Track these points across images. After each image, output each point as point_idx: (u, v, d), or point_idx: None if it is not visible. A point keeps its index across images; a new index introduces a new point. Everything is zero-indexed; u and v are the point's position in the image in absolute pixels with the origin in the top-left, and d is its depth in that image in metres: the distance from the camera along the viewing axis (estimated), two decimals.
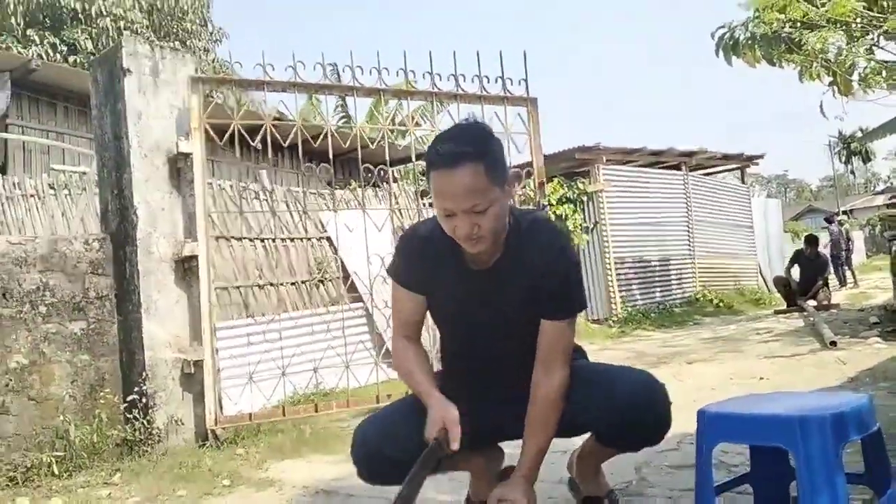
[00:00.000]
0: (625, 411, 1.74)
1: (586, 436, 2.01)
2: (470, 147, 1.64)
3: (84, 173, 6.73)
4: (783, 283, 10.35)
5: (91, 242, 3.68)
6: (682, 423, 3.15)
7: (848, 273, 15.66)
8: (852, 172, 52.32)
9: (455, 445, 1.68)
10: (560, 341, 1.81)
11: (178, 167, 3.74)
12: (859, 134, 32.81)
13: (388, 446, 1.78)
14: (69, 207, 6.53)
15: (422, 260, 1.86)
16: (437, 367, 2.09)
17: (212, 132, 3.73)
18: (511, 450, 2.15)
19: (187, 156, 3.69)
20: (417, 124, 10.52)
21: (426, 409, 1.80)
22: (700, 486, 1.73)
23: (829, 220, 17.62)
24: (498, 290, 1.82)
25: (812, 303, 9.55)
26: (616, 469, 2.42)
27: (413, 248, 1.88)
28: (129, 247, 3.64)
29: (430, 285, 1.87)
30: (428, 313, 1.96)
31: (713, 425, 1.72)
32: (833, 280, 12.49)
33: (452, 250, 1.79)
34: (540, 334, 1.81)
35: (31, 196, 6.48)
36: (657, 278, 10.97)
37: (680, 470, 2.52)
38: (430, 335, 3.48)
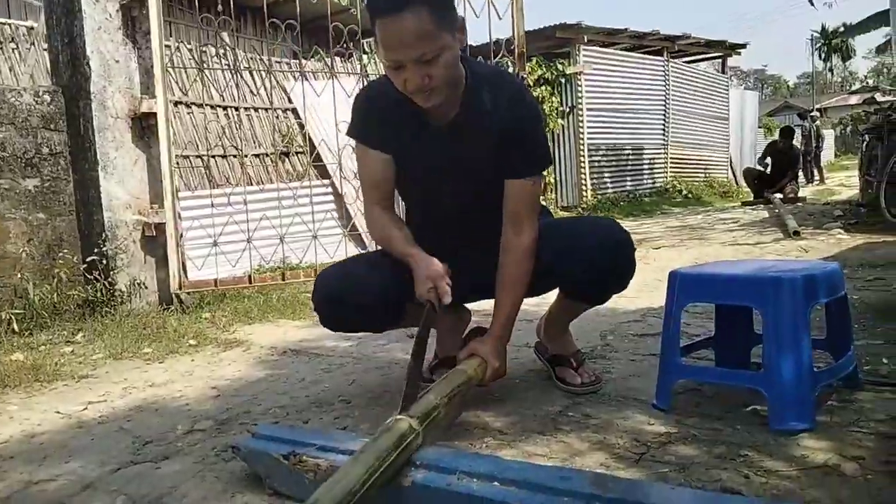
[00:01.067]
0: (592, 256, 1.71)
1: (553, 300, 2.02)
2: None
3: (32, 28, 6.27)
4: (753, 176, 10.43)
5: (42, 95, 3.46)
6: (646, 300, 3.21)
7: (815, 170, 15.83)
8: (830, 70, 51.94)
9: (447, 299, 1.64)
10: (527, 199, 1.77)
11: (133, 16, 3.48)
12: (842, 29, 32.27)
13: (350, 290, 1.74)
14: (17, 63, 6.12)
15: (380, 117, 1.76)
16: None
17: None
18: (478, 316, 2.16)
19: (143, 3, 3.43)
20: None
21: (391, 259, 1.77)
22: (667, 344, 1.74)
23: (801, 117, 17.61)
24: (459, 146, 1.74)
25: (779, 195, 9.67)
26: (581, 336, 2.45)
27: (370, 105, 1.79)
28: (82, 101, 3.43)
29: (393, 142, 1.78)
30: None
31: (685, 285, 1.71)
32: (801, 176, 12.61)
33: (410, 107, 1.69)
34: (506, 193, 1.76)
35: None
36: (629, 167, 10.95)
37: (643, 338, 2.56)
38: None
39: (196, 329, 3.13)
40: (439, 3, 1.56)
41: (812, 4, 9.04)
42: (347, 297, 1.74)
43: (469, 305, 2.11)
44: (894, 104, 6.76)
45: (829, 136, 22.62)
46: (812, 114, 17.90)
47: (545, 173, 1.81)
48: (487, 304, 1.88)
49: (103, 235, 3.42)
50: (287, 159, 6.14)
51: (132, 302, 3.47)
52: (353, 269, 1.83)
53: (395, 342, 2.70)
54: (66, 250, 3.45)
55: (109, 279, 3.41)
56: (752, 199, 10.28)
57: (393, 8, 1.52)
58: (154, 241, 3.54)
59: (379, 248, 1.91)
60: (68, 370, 2.59)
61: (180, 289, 3.55)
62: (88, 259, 3.43)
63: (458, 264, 1.80)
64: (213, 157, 5.54)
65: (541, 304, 2.16)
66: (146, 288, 3.53)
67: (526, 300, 1.84)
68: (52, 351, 2.87)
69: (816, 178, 15.64)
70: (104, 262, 3.42)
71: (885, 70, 39.76)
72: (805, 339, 1.57)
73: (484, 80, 1.74)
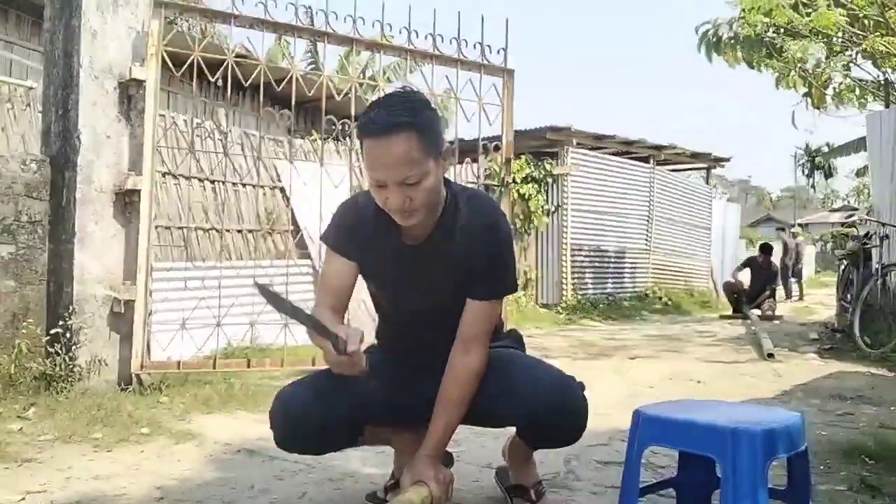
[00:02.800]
0: (538, 409, 1.70)
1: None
2: (404, 116, 1.57)
3: (31, 88, 6.36)
4: (732, 290, 10.55)
5: (29, 163, 3.47)
6: (616, 419, 3.15)
7: (795, 286, 16.03)
8: (813, 187, 53.56)
9: (352, 348, 1.55)
10: (482, 321, 1.77)
11: (130, 94, 3.53)
12: (825, 149, 33.53)
13: (309, 414, 1.71)
14: (11, 123, 6.18)
15: (357, 229, 1.79)
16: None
17: (169, 61, 3.53)
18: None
19: (140, 83, 3.49)
20: (389, 80, 10.30)
21: (352, 381, 1.71)
22: (626, 486, 1.70)
23: (780, 230, 18.00)
24: (429, 266, 1.77)
25: (757, 312, 9.75)
26: (545, 459, 2.39)
27: (348, 216, 1.82)
28: (68, 172, 3.44)
29: (364, 256, 1.80)
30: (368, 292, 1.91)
31: (647, 427, 1.68)
32: (780, 291, 12.78)
33: (387, 223, 1.72)
34: (464, 312, 1.77)
35: None
36: (611, 269, 11.06)
37: (608, 466, 2.50)
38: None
39: (151, 415, 3.03)
40: (428, 129, 1.60)
41: (794, 125, 9.44)
42: (306, 422, 1.71)
43: None
44: (869, 233, 6.93)
45: (809, 252, 23.07)
46: (794, 229, 18.31)
47: (521, 281, 1.85)
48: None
49: (70, 308, 3.36)
50: (270, 237, 6.15)
51: (90, 379, 3.37)
52: (314, 390, 1.78)
53: (352, 450, 2.62)
54: (30, 320, 3.37)
55: (70, 354, 3.33)
56: (730, 312, 10.37)
57: (382, 131, 1.56)
58: (121, 317, 3.48)
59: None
60: (12, 451, 2.49)
61: (141, 369, 3.46)
62: (52, 331, 3.35)
63: (421, 379, 1.79)
64: (195, 229, 5.53)
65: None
66: (106, 365, 3.44)
67: None
68: (0, 427, 2.76)
69: (796, 293, 15.82)
70: (67, 335, 3.34)
71: (865, 191, 41.09)
72: (762, 493, 1.54)
73: (462, 205, 1.77)
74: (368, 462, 2.40)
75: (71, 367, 3.31)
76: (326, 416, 1.70)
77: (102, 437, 2.72)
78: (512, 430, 2.03)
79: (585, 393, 1.81)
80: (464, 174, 5.75)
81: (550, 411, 1.71)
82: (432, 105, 1.70)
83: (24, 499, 2.05)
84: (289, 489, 2.17)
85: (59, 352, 3.30)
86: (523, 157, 9.59)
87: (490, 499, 2.10)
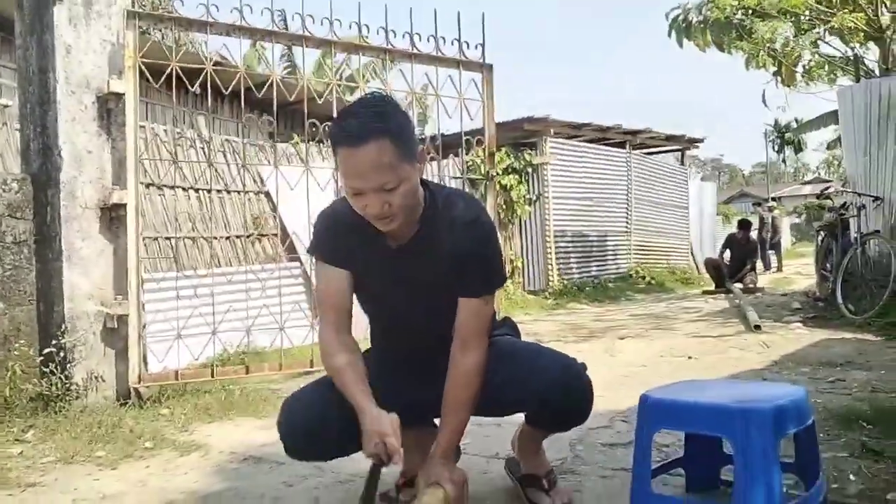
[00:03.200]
0: (547, 394, 1.75)
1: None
2: (376, 122, 1.56)
3: (6, 106, 6.25)
4: (714, 266, 10.68)
5: (9, 183, 3.42)
6: (613, 400, 3.20)
7: (774, 258, 16.28)
8: (784, 161, 54.34)
9: (396, 459, 1.63)
10: (477, 319, 1.78)
11: (109, 108, 3.49)
12: (794, 125, 34.00)
13: (317, 424, 1.74)
14: None
15: (341, 236, 1.79)
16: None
17: (147, 72, 3.49)
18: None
19: (119, 96, 3.45)
20: (367, 81, 10.25)
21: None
22: (637, 472, 1.73)
23: (757, 205, 18.23)
24: (416, 267, 1.77)
25: (739, 285, 9.89)
26: (551, 445, 2.42)
27: (331, 224, 1.82)
28: (51, 190, 3.40)
29: (352, 262, 1.81)
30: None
31: (655, 412, 1.71)
32: (759, 264, 12.97)
33: (369, 229, 1.72)
34: (458, 311, 1.77)
35: None
36: (594, 253, 11.15)
37: (613, 448, 2.54)
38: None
39: (153, 428, 3.02)
40: (400, 135, 1.60)
41: (765, 104, 9.57)
42: (316, 431, 1.73)
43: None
44: (846, 203, 7.06)
45: (784, 224, 23.40)
46: (769, 204, 18.56)
47: (508, 269, 1.89)
48: None
49: (63, 327, 3.33)
50: (258, 241, 6.12)
51: (88, 397, 3.34)
52: (322, 397, 1.80)
53: (360, 457, 2.63)
54: (22, 341, 3.33)
55: (66, 372, 3.29)
56: (713, 288, 10.50)
57: (355, 140, 1.55)
58: (115, 332, 3.45)
59: None
60: (14, 476, 2.46)
61: (139, 382, 3.44)
62: (45, 351, 3.31)
63: (419, 381, 1.81)
64: (182, 238, 5.49)
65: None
66: (104, 381, 3.41)
67: None
68: (0, 452, 2.73)
69: (774, 265, 16.07)
70: (62, 354, 3.31)
71: (835, 163, 41.72)
72: (775, 469, 1.58)
73: (441, 204, 1.77)
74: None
75: (67, 385, 3.28)
76: (334, 424, 1.72)
77: (106, 454, 2.70)
78: (519, 420, 2.06)
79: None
80: (447, 169, 5.76)
81: (559, 393, 1.75)
82: (402, 108, 1.70)
83: None
84: (300, 495, 2.18)
85: (55, 371, 3.27)
86: (503, 148, 9.61)
87: (501, 489, 2.12)
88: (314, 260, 1.88)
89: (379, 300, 1.87)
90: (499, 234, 1.90)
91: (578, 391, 1.80)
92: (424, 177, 1.80)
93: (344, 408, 1.72)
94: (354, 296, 1.87)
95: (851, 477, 2.08)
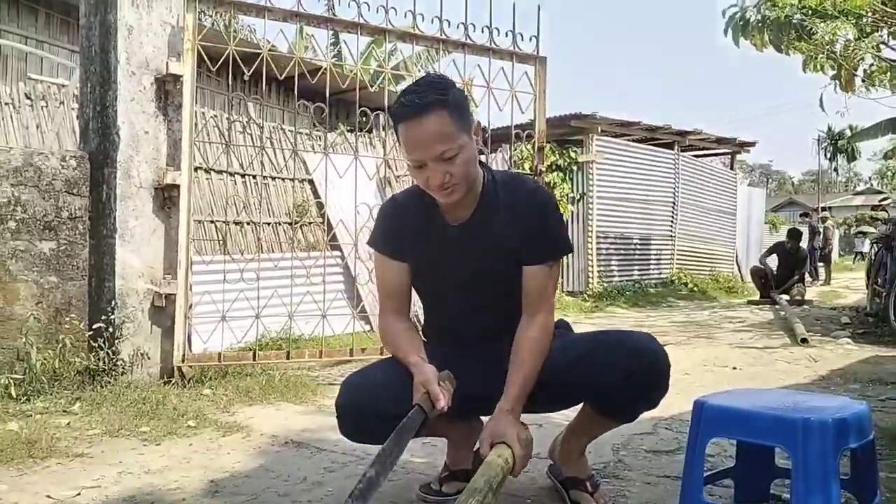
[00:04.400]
0: (637, 364, 1.69)
1: (573, 418, 1.97)
2: (433, 95, 1.63)
3: (63, 86, 6.42)
4: (760, 275, 10.42)
5: (68, 160, 3.50)
6: (657, 406, 3.14)
7: (822, 270, 15.83)
8: (835, 170, 52.84)
9: (440, 404, 1.63)
10: (543, 285, 1.79)
11: (167, 90, 3.54)
12: (848, 132, 32.98)
13: (379, 403, 1.72)
14: (45, 120, 6.23)
15: (401, 224, 1.85)
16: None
17: (204, 55, 3.54)
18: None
19: (177, 78, 3.50)
20: (419, 70, 10.26)
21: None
22: (688, 478, 1.68)
23: (805, 215, 17.74)
24: (478, 246, 1.79)
25: (785, 297, 9.63)
26: (594, 450, 2.38)
27: (391, 214, 1.90)
28: (108, 168, 3.47)
29: (411, 250, 1.85)
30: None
31: (710, 418, 1.66)
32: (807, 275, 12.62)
33: (430, 211, 1.79)
34: (523, 281, 1.79)
35: (6, 104, 6.17)
36: (636, 256, 10.98)
37: (657, 455, 2.48)
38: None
39: (196, 408, 3.06)
40: (456, 106, 1.67)
41: (822, 109, 9.27)
42: (374, 411, 1.72)
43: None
44: None
45: (833, 236, 22.75)
46: (821, 214, 18.05)
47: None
48: None
49: (113, 303, 3.40)
50: (301, 229, 6.17)
51: (133, 373, 3.40)
52: (381, 378, 1.80)
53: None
54: (73, 315, 3.41)
55: (113, 348, 3.36)
56: (757, 297, 10.26)
57: (415, 113, 1.63)
58: (162, 311, 3.51)
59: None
60: (63, 446, 2.52)
61: (183, 361, 3.49)
62: (95, 326, 3.39)
63: (471, 372, 1.78)
64: (230, 223, 5.57)
65: (547, 417, 2.10)
66: (149, 359, 3.47)
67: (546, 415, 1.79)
68: (48, 422, 2.80)
69: (822, 277, 15.63)
70: (110, 329, 3.37)
71: (889, 174, 40.43)
72: (834, 484, 1.52)
73: (500, 180, 1.83)
74: (416, 453, 2.40)
75: (114, 360, 3.35)
76: (391, 407, 1.70)
77: (150, 430, 2.75)
78: (558, 425, 2.01)
79: None
80: (494, 163, 5.72)
81: (651, 363, 1.71)
82: (457, 85, 1.75)
83: (79, 494, 2.07)
84: (342, 481, 2.18)
85: (102, 346, 3.34)
86: (548, 145, 9.52)
87: (543, 489, 2.09)
88: (372, 252, 1.93)
89: (439, 282, 1.87)
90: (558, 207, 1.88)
91: (664, 368, 1.75)
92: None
93: (403, 391, 1.71)
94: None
95: None
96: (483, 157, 1.80)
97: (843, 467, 1.80)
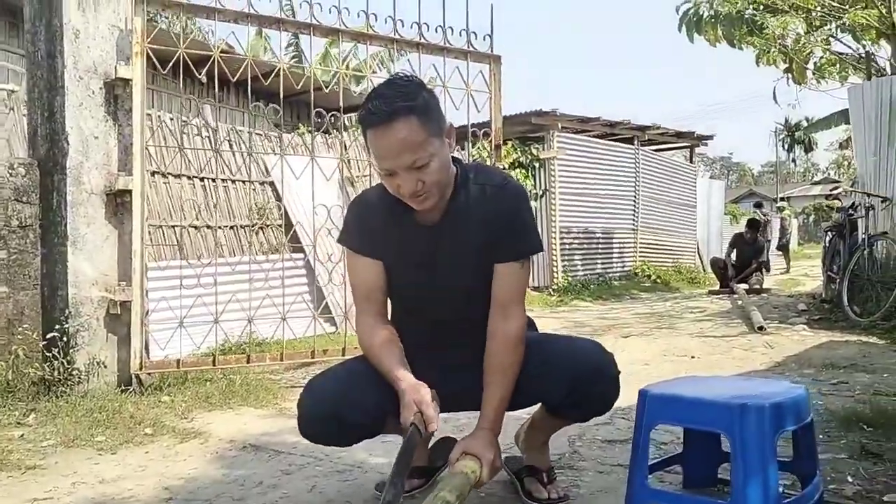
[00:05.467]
0: (577, 380, 1.73)
1: (535, 408, 2.00)
2: (401, 101, 1.58)
3: (13, 91, 6.27)
4: (720, 265, 10.62)
5: (16, 167, 3.43)
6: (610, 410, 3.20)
7: (782, 259, 16.19)
8: (793, 161, 54.04)
9: (433, 427, 1.63)
10: (515, 284, 1.77)
11: (116, 94, 3.49)
12: (805, 123, 33.77)
13: (343, 408, 1.71)
14: None
15: (371, 222, 1.79)
16: None
17: (154, 59, 3.49)
18: (444, 423, 2.13)
19: (126, 82, 3.45)
20: (374, 71, 10.24)
21: (374, 371, 1.76)
22: (635, 466, 1.72)
23: (758, 206, 18.13)
24: (450, 243, 1.76)
25: (744, 286, 9.84)
26: (551, 441, 2.41)
27: (361, 211, 1.83)
28: (57, 175, 3.41)
29: (383, 249, 1.80)
30: None
31: (654, 406, 1.70)
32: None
33: (401, 210, 1.73)
34: (494, 280, 1.76)
35: None
36: (600, 250, 11.12)
37: (612, 444, 2.54)
38: None
39: (153, 415, 3.03)
40: (426, 111, 1.61)
41: (776, 101, 9.51)
42: (339, 414, 1.71)
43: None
44: (855, 204, 7.01)
45: (793, 225, 23.28)
46: (780, 204, 18.44)
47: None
48: (458, 414, 1.85)
49: (66, 312, 3.34)
50: (262, 231, 6.13)
51: (90, 382, 3.35)
52: (346, 381, 1.78)
53: (359, 447, 2.63)
54: (26, 325, 3.35)
55: (68, 357, 3.31)
56: (717, 287, 10.46)
57: (383, 119, 1.57)
58: (118, 318, 3.46)
59: (358, 357, 1.89)
60: (16, 458, 2.47)
61: (141, 369, 3.45)
62: (49, 336, 3.32)
63: (449, 373, 1.80)
64: (187, 227, 5.50)
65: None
66: (105, 367, 3.42)
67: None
68: (1, 434, 2.75)
69: (781, 267, 15.98)
70: (65, 339, 3.32)
71: (845, 163, 41.50)
72: (772, 466, 1.57)
73: (471, 176, 1.78)
74: (374, 452, 2.41)
75: (70, 370, 3.30)
76: (356, 409, 1.71)
77: (106, 439, 2.71)
78: (523, 415, 2.05)
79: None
80: None
81: (593, 376, 1.74)
82: (427, 87, 1.71)
83: None
84: (298, 483, 2.18)
85: (57, 356, 3.28)
86: (510, 142, 9.60)
87: (498, 482, 2.11)
88: (343, 251, 1.88)
89: (410, 281, 1.83)
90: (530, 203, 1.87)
91: (610, 376, 1.79)
92: None
93: (366, 391, 1.72)
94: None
95: (849, 478, 2.07)
96: (451, 123, 1.76)
97: (787, 449, 1.86)
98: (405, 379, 1.68)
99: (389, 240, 1.79)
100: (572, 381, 1.73)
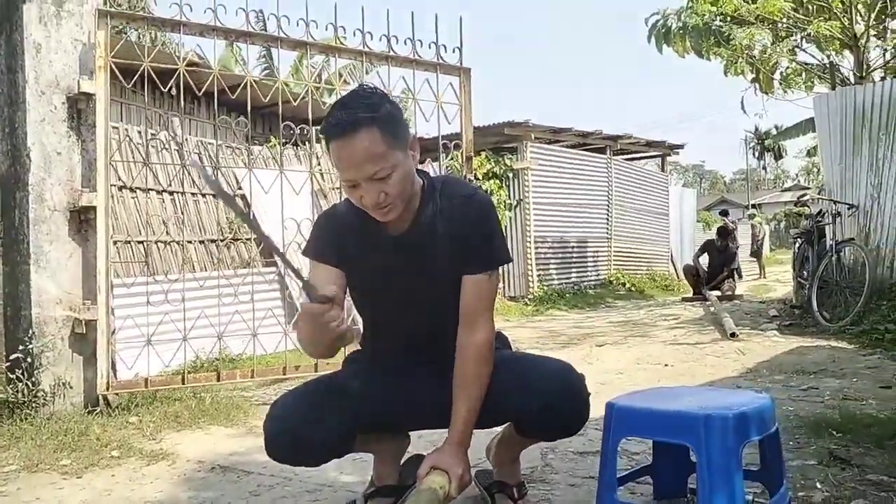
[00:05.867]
0: (545, 402, 1.71)
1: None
2: (364, 112, 1.57)
3: None
4: (692, 273, 10.75)
5: None
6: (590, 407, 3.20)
7: (755, 265, 16.39)
8: (764, 168, 55.00)
9: (328, 291, 1.53)
10: (482, 295, 1.76)
11: (79, 108, 3.44)
12: (774, 131, 34.39)
13: (307, 427, 1.69)
14: None
15: (338, 234, 1.78)
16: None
17: (118, 73, 3.45)
18: (417, 439, 2.10)
19: (90, 96, 3.40)
20: (345, 82, 10.23)
21: (346, 390, 1.77)
22: (603, 480, 1.72)
23: (724, 213, 18.33)
24: (418, 255, 1.75)
25: (716, 293, 9.96)
26: (523, 454, 2.40)
27: (328, 223, 1.83)
28: (19, 192, 3.34)
29: (349, 260, 1.78)
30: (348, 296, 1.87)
31: (620, 419, 1.71)
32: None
33: (367, 220, 1.72)
34: (462, 290, 1.75)
35: None
36: (574, 259, 11.19)
37: (584, 456, 2.53)
38: None
39: (120, 437, 2.96)
40: (389, 123, 1.61)
41: (743, 111, 9.67)
42: (303, 433, 1.69)
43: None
44: (822, 211, 7.13)
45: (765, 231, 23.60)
46: (751, 211, 18.68)
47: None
48: (431, 432, 1.83)
49: (30, 332, 3.26)
50: (233, 245, 6.06)
51: (55, 403, 3.28)
52: (310, 400, 1.76)
53: (329, 465, 2.60)
54: None
55: (33, 379, 3.23)
56: (691, 294, 10.57)
57: (345, 131, 1.57)
58: (84, 338, 3.39)
59: (326, 374, 1.88)
60: None
61: (108, 389, 3.38)
62: (12, 357, 3.24)
63: (416, 388, 1.79)
64: (155, 242, 5.43)
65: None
66: (71, 388, 3.35)
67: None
68: None
69: (751, 274, 16.16)
70: (28, 360, 3.24)
71: (814, 170, 42.32)
72: (737, 477, 1.58)
73: (438, 188, 1.78)
74: (345, 470, 2.39)
75: (34, 392, 3.22)
76: (322, 428, 1.69)
77: (71, 463, 2.65)
78: (496, 430, 2.03)
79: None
80: None
81: (561, 398, 1.72)
82: (392, 98, 1.71)
83: None
84: None
85: (21, 377, 3.21)
86: (483, 153, 9.64)
87: (470, 497, 2.10)
88: (310, 261, 1.83)
89: (378, 294, 1.82)
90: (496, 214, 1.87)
91: (579, 400, 1.77)
92: None
93: (331, 410, 1.71)
94: (348, 295, 1.85)
95: (818, 485, 2.09)
96: (415, 134, 1.76)
97: (754, 457, 1.87)
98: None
99: (357, 249, 1.77)
100: (542, 400, 1.71)
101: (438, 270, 1.76)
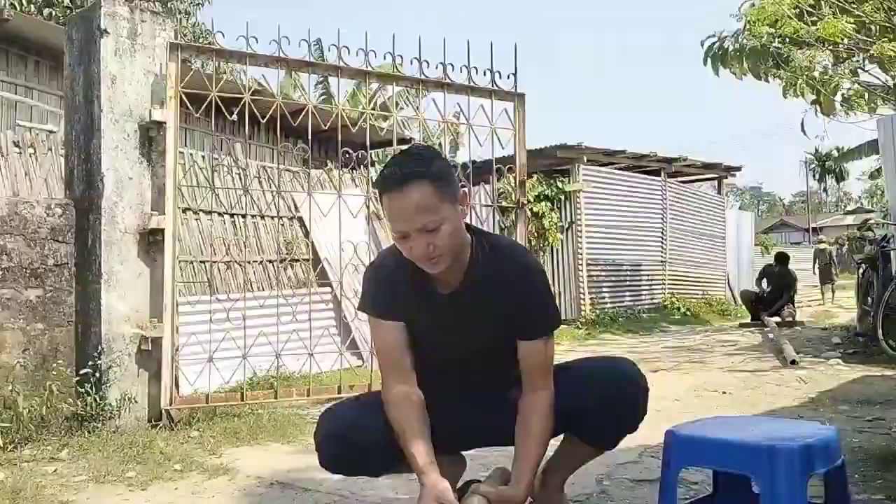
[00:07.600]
0: (609, 386, 1.78)
1: (553, 452, 1.99)
2: (416, 166, 1.66)
3: (52, 132, 6.50)
4: (750, 298, 10.47)
5: (53, 208, 3.54)
6: (643, 434, 3.11)
7: (830, 292, 15.78)
8: (825, 190, 53.36)
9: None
10: (541, 359, 1.82)
11: (150, 136, 3.61)
12: (835, 153, 33.40)
13: (354, 430, 1.75)
14: (33, 168, 6.29)
15: (390, 286, 1.83)
16: None
17: (187, 101, 3.61)
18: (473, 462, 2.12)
19: (160, 125, 3.56)
20: (401, 109, 10.41)
21: None
22: None
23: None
24: (467, 313, 1.80)
25: (776, 319, 9.67)
26: (577, 480, 2.39)
27: (380, 275, 1.87)
28: (93, 215, 3.51)
29: (403, 312, 1.83)
30: None
31: (681, 448, 1.69)
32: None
33: (420, 277, 1.77)
34: (519, 353, 1.81)
35: None
36: (628, 282, 11.03)
37: (640, 485, 2.50)
38: None
39: (183, 451, 3.06)
40: (440, 177, 1.68)
41: (804, 132, 9.41)
42: (353, 437, 1.74)
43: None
44: (887, 235, 6.88)
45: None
46: (819, 237, 18.05)
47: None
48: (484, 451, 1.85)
49: (99, 348, 3.41)
50: (290, 266, 6.21)
51: (121, 417, 3.41)
52: (360, 409, 1.83)
53: (383, 478, 2.63)
54: (60, 361, 3.42)
55: (100, 393, 3.37)
56: (749, 320, 10.29)
57: (397, 184, 1.65)
58: (149, 354, 3.52)
59: (376, 390, 1.92)
60: (49, 493, 2.52)
61: (171, 404, 3.50)
62: (82, 371, 3.40)
63: (462, 412, 1.83)
64: (217, 263, 5.60)
65: None
66: (136, 403, 3.48)
67: None
68: (35, 470, 2.80)
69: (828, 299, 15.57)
70: (97, 375, 3.38)
71: (878, 192, 40.86)
72: None
73: (489, 248, 1.82)
74: (399, 490, 2.41)
75: (101, 406, 3.36)
76: (368, 432, 1.73)
77: (136, 475, 2.75)
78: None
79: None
80: (478, 196, 5.79)
81: (624, 383, 1.81)
82: (443, 156, 1.80)
83: None
84: None
85: (90, 391, 3.35)
86: (535, 175, 9.63)
87: None
88: (368, 317, 1.90)
89: (426, 347, 1.86)
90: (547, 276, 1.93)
91: (642, 386, 1.85)
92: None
93: (380, 420, 1.76)
94: None
95: None
96: (465, 190, 1.82)
97: (819, 490, 1.82)
98: (427, 473, 1.68)
99: (406, 303, 1.82)
100: (606, 389, 1.77)
101: (491, 325, 1.81)
